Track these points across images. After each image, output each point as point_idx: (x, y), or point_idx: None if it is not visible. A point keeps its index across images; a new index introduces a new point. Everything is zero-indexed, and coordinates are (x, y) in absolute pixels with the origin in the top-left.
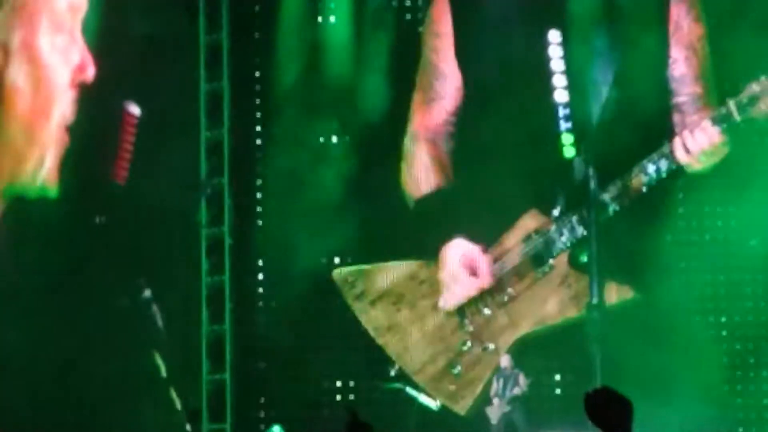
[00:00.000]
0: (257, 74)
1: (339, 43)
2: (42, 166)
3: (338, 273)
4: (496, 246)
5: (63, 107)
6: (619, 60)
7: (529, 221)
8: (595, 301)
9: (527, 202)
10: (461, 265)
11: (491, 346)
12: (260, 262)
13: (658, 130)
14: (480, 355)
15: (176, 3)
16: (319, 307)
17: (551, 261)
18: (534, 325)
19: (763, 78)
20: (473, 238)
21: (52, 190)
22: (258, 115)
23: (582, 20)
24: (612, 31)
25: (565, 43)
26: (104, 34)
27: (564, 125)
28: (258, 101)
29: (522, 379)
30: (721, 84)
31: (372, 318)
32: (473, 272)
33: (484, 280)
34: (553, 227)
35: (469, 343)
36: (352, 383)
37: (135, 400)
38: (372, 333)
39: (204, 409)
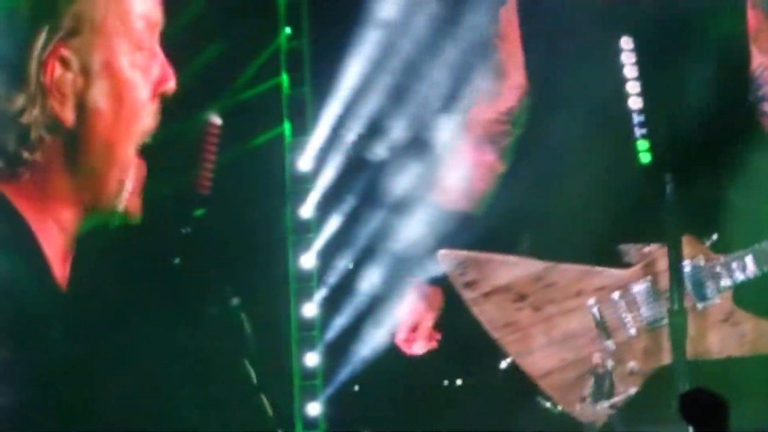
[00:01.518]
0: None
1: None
2: (123, 189)
3: (446, 255)
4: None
5: (144, 124)
6: (694, 64)
7: (685, 247)
8: (676, 307)
9: (606, 211)
10: None
11: (636, 367)
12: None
13: (736, 135)
14: (621, 375)
15: (257, 9)
16: None
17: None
18: (689, 356)
19: None
20: (556, 246)
21: (135, 219)
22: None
23: (654, 26)
24: (685, 35)
25: (638, 50)
26: (184, 43)
27: (639, 131)
28: (340, 104)
29: (614, 380)
30: None
31: (485, 311)
32: None
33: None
34: (721, 262)
35: (610, 362)
36: (459, 382)
37: (226, 408)
38: (485, 325)
39: (296, 417)
